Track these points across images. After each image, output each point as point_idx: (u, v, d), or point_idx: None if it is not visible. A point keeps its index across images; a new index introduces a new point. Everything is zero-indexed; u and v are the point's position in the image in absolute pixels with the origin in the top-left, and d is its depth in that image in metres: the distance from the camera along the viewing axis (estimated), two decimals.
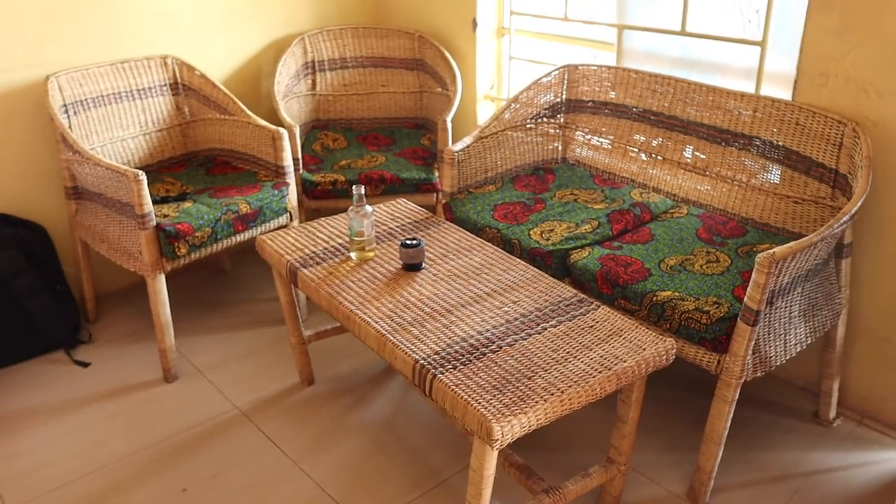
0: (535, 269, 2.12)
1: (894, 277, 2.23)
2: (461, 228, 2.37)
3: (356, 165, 2.95)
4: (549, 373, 1.68)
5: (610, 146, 2.78)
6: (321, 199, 2.87)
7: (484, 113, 3.33)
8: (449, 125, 2.89)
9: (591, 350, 1.77)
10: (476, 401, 1.59)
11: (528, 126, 2.80)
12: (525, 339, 1.81)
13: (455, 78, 3.13)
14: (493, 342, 1.80)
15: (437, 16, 3.34)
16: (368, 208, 2.17)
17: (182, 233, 2.43)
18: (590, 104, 2.83)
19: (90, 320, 2.92)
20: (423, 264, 2.15)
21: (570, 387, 1.64)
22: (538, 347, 1.78)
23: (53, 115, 2.61)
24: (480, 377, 1.67)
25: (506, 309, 1.93)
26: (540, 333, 1.83)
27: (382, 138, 3.22)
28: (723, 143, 2.47)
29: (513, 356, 1.74)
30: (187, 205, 2.58)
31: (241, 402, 2.47)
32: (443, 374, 1.68)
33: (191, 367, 2.65)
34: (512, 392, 1.62)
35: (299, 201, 2.88)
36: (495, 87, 3.34)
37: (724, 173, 2.47)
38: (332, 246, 2.28)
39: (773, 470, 2.17)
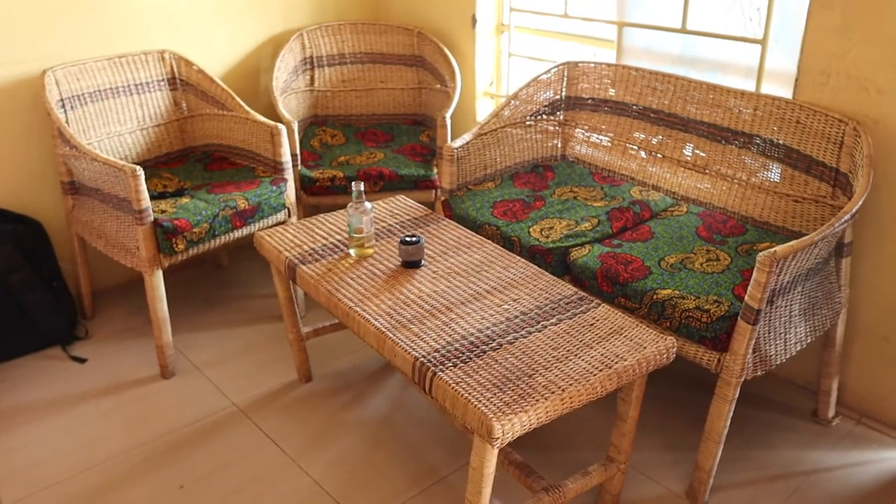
0: (535, 266, 2.11)
1: (894, 276, 2.23)
2: (460, 226, 2.36)
3: (355, 162, 2.93)
4: (550, 371, 1.67)
5: (609, 144, 2.77)
6: (320, 195, 2.86)
7: (483, 110, 3.32)
8: (448, 122, 2.88)
9: (591, 348, 1.76)
10: (477, 399, 1.58)
11: (527, 123, 2.79)
12: (525, 337, 1.80)
13: (454, 74, 3.11)
14: (494, 340, 1.79)
15: (437, 12, 3.32)
16: (368, 205, 2.16)
17: (180, 228, 2.41)
18: (589, 101, 2.82)
19: (87, 316, 2.90)
20: (423, 261, 2.14)
21: (570, 385, 1.63)
22: (538, 345, 1.77)
23: (50, 109, 2.59)
24: (481, 375, 1.66)
25: (506, 307, 1.92)
26: (540, 331, 1.82)
27: (381, 135, 3.20)
28: (723, 142, 2.47)
29: (513, 354, 1.73)
30: (185, 200, 2.56)
31: (239, 399, 2.46)
32: (443, 371, 1.67)
33: (188, 364, 2.64)
34: (512, 390, 1.61)
35: (297, 197, 2.86)
36: (494, 84, 3.33)
37: (724, 171, 2.46)
38: (331, 243, 2.27)
39: (772, 469, 2.17)
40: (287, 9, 3.30)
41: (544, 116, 2.83)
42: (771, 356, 1.95)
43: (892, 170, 2.16)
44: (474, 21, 3.17)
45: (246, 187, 2.65)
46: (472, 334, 1.81)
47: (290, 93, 3.17)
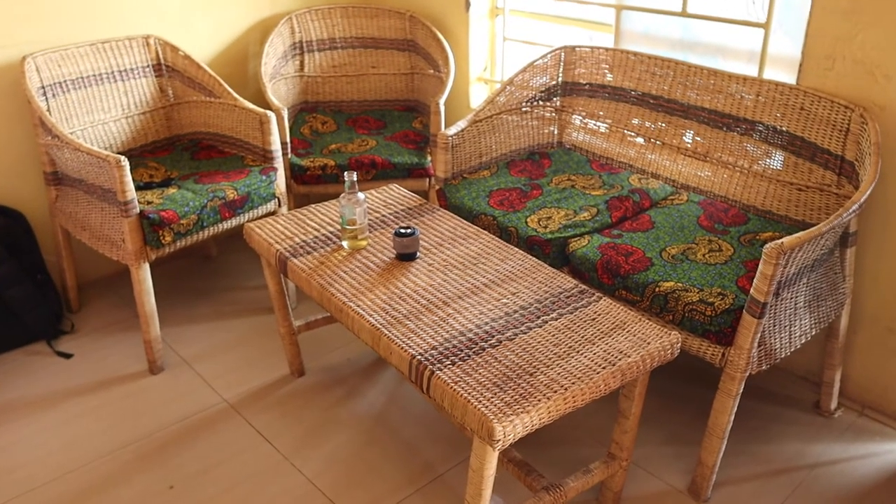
0: (534, 258, 2.04)
1: None
2: (455, 216, 2.29)
3: (346, 149, 2.85)
4: (552, 368, 1.61)
5: (607, 130, 2.70)
6: (311, 184, 2.78)
7: (477, 96, 3.24)
8: (442, 108, 2.80)
9: (593, 344, 1.70)
10: (476, 399, 1.52)
11: (523, 109, 2.72)
12: (525, 333, 1.73)
13: (448, 59, 3.03)
14: (493, 336, 1.72)
15: None
16: (360, 195, 2.08)
17: (166, 220, 2.33)
18: (587, 87, 2.75)
19: (73, 310, 2.82)
20: (418, 253, 2.07)
21: (573, 384, 1.57)
22: (539, 342, 1.71)
23: (31, 97, 2.50)
24: (480, 373, 1.60)
25: (505, 301, 1.86)
26: (541, 327, 1.76)
27: (373, 121, 3.12)
28: (724, 128, 2.40)
29: (513, 351, 1.67)
30: (172, 191, 2.48)
31: (230, 395, 2.39)
32: (441, 370, 1.61)
33: (177, 359, 2.57)
34: (513, 390, 1.55)
35: (288, 187, 2.78)
36: (489, 69, 3.25)
37: (726, 159, 2.40)
38: (323, 234, 2.19)
39: (774, 463, 2.13)
40: None
41: (540, 102, 2.76)
42: (776, 349, 1.90)
43: None
44: (468, 4, 3.09)
45: (235, 177, 2.57)
46: (470, 330, 1.75)
47: (279, 79, 3.08)
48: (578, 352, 1.67)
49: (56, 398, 2.39)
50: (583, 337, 1.72)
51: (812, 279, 1.98)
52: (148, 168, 2.68)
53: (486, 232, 2.19)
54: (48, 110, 2.59)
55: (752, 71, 2.44)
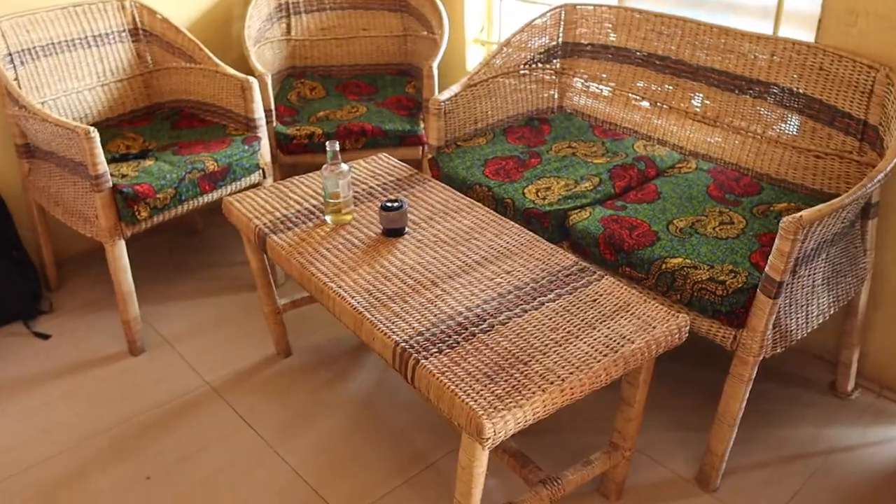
0: (531, 232, 1.88)
1: None
2: (448, 187, 2.12)
3: (335, 117, 2.68)
4: (548, 356, 1.46)
5: (611, 94, 2.51)
6: (297, 153, 2.61)
7: (473, 58, 3.05)
8: (435, 72, 2.61)
9: (594, 329, 1.54)
10: (465, 392, 1.37)
11: (521, 72, 2.53)
12: (520, 317, 1.58)
13: (441, 20, 2.83)
14: (485, 320, 1.57)
15: None
16: (344, 167, 1.92)
17: (141, 195, 2.17)
18: (588, 48, 2.56)
19: (51, 288, 2.68)
20: (407, 228, 1.91)
21: (571, 374, 1.42)
22: (535, 326, 1.55)
23: None
24: (469, 363, 1.45)
25: (498, 280, 1.70)
26: (537, 309, 1.60)
27: (364, 86, 2.94)
28: (736, 91, 2.21)
29: (506, 337, 1.52)
30: (149, 163, 2.32)
31: (213, 377, 2.25)
32: (427, 359, 1.46)
33: (158, 338, 2.43)
34: (505, 381, 1.40)
35: (273, 157, 2.61)
36: (486, 30, 3.05)
37: (737, 124, 2.22)
38: (306, 208, 2.03)
39: (788, 448, 1.98)
40: None
41: (539, 65, 2.57)
42: (792, 331, 1.74)
43: None
44: None
45: (215, 147, 2.40)
46: (460, 314, 1.59)
47: (264, 43, 2.89)
48: (577, 337, 1.52)
49: (32, 382, 2.25)
50: (582, 320, 1.57)
51: (832, 254, 1.81)
52: (125, 139, 2.51)
53: (480, 204, 2.02)
54: (16, 79, 2.42)
55: (766, 29, 2.25)
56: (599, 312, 1.59)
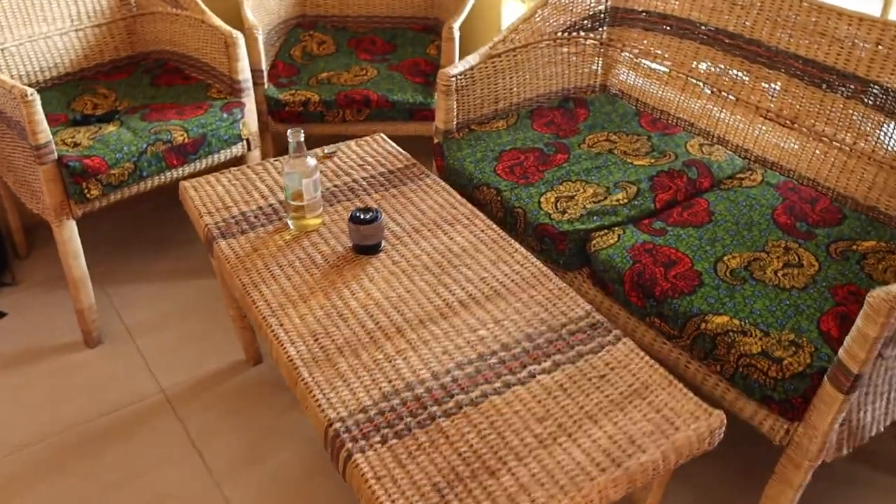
0: (537, 262, 1.46)
1: None
2: (448, 187, 1.70)
3: (338, 80, 2.26)
4: (525, 464, 1.07)
5: (666, 75, 2.03)
6: (291, 122, 2.22)
7: (510, 16, 2.57)
8: (456, 34, 2.16)
9: (595, 423, 1.14)
10: None
11: (558, 39, 2.06)
12: (500, 394, 1.18)
13: None
14: (452, 396, 1.18)
15: None
16: (310, 161, 1.52)
17: (92, 170, 1.82)
18: (643, 16, 2.06)
19: (21, 255, 2.39)
20: (384, 244, 1.52)
21: (551, 497, 1.03)
22: (516, 412, 1.15)
23: None
24: (418, 465, 1.07)
25: (482, 332, 1.30)
26: (524, 384, 1.20)
27: (381, 44, 2.50)
28: (823, 86, 1.72)
29: (475, 426, 1.13)
30: (110, 129, 1.95)
31: (169, 384, 1.93)
32: (364, 451, 1.08)
33: (120, 328, 2.11)
34: (460, 501, 1.02)
35: (264, 124, 2.23)
36: None
37: (821, 129, 1.73)
38: (271, 204, 1.65)
39: None
40: None
41: (581, 33, 2.09)
42: (865, 426, 1.31)
43: None
44: None
45: (190, 113, 2.02)
46: (422, 382, 1.20)
47: None
48: (570, 435, 1.12)
49: None
50: (581, 408, 1.16)
51: None
52: (95, 95, 2.15)
53: (481, 216, 1.60)
54: None
55: (872, 9, 1.73)
56: (607, 396, 1.18)
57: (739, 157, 1.87)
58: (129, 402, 1.88)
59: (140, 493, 1.65)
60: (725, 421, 1.15)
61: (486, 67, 1.93)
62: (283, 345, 1.28)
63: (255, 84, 2.16)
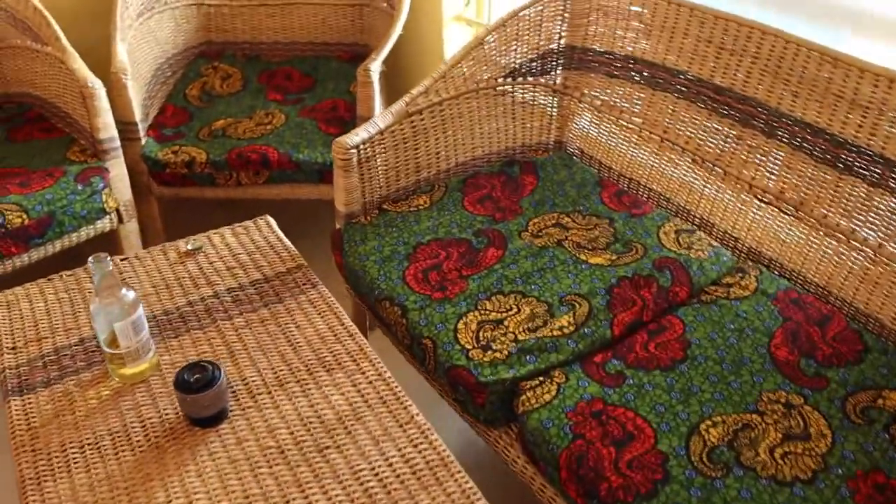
0: (440, 447, 1.02)
1: None
2: (336, 306, 1.25)
3: (235, 132, 1.80)
4: None
5: (637, 136, 1.57)
6: (175, 185, 1.78)
7: (454, 43, 2.10)
8: (375, 75, 1.69)
9: None
10: None
11: (499, 87, 1.60)
12: None
13: None
14: None
15: None
16: (130, 294, 1.08)
17: None
18: (605, 58, 1.60)
19: None
20: (230, 408, 1.09)
21: None
22: None
23: None
24: None
25: None
26: None
27: (298, 78, 2.04)
28: (839, 166, 1.27)
29: None
30: None
31: None
32: None
33: None
34: None
35: (146, 186, 1.79)
36: (473, 4, 2.09)
37: (835, 221, 1.28)
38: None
39: None
40: None
41: (530, 77, 1.64)
42: None
43: None
44: None
45: (37, 185, 1.57)
46: None
47: (162, 9, 2.00)
48: None
49: None
50: None
51: None
52: None
53: (374, 356, 1.16)
54: None
55: None
56: None
57: (727, 248, 1.42)
58: None
59: None
60: None
61: (403, 129, 1.48)
62: None
63: (128, 139, 1.72)
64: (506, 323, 1.22)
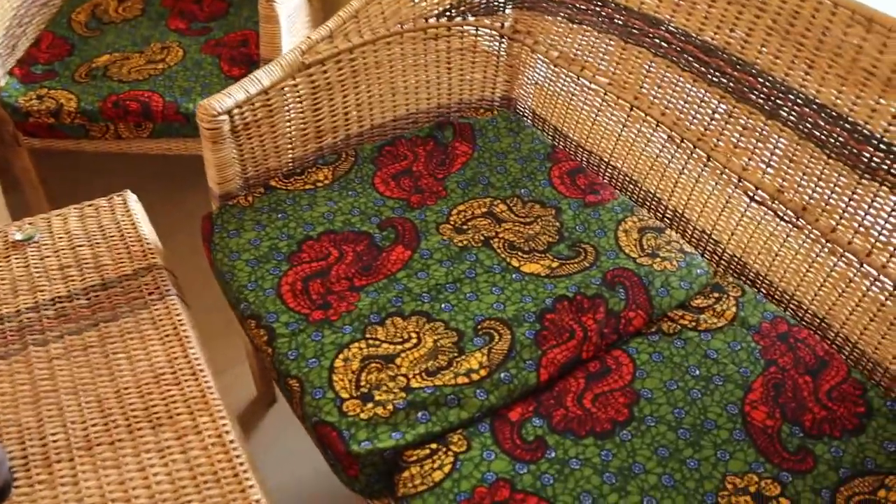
0: None
1: None
2: (184, 329, 0.94)
3: (119, 71, 1.44)
4: None
5: (601, 98, 1.23)
6: (43, 137, 1.45)
7: None
8: (281, 8, 1.33)
9: None
10: None
11: (429, 32, 1.25)
12: None
13: None
14: None
15: None
16: None
17: None
18: None
19: None
20: (17, 480, 0.81)
21: None
22: None
23: None
24: None
25: None
26: None
27: (209, 0, 1.67)
28: (862, 167, 0.92)
29: None
30: None
31: None
32: None
33: None
34: None
35: (11, 136, 1.46)
36: None
37: (846, 237, 0.94)
38: None
39: None
40: None
41: (471, 17, 1.27)
42: None
43: None
44: None
45: None
46: None
47: None
48: None
49: None
50: None
51: None
52: None
53: (218, 406, 0.86)
54: None
55: None
56: None
57: (704, 257, 1.10)
58: None
59: None
60: None
61: (298, 87, 1.13)
62: None
63: None
64: (398, 361, 0.92)
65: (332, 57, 1.14)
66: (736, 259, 1.08)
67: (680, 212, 1.13)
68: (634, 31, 1.14)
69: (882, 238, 0.92)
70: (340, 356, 0.92)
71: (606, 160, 1.22)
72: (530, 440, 0.86)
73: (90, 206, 1.13)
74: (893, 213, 0.90)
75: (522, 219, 1.11)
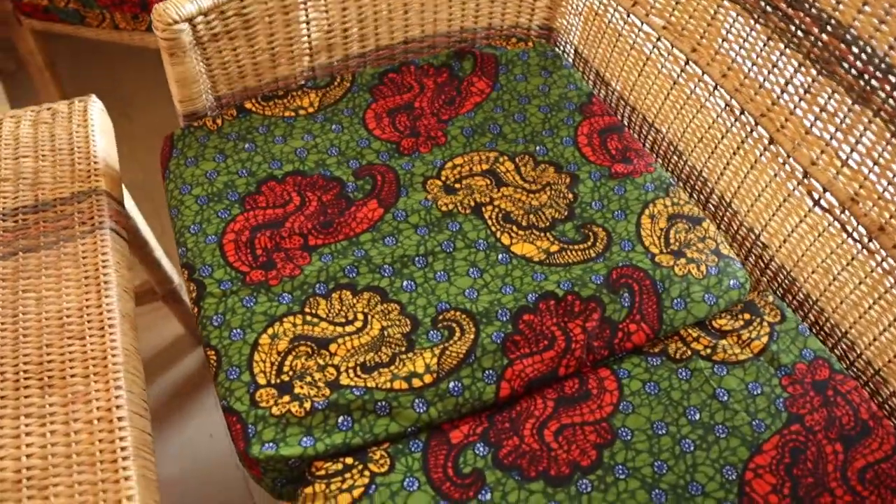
0: None
1: None
2: (107, 270, 0.81)
3: None
4: None
5: (652, 44, 0.97)
6: (39, 18, 1.31)
7: None
8: None
9: None
10: None
11: None
12: None
13: None
14: None
15: None
16: None
17: None
18: None
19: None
20: None
21: None
22: None
23: None
24: None
25: None
26: None
27: None
28: None
29: None
30: None
31: None
32: None
33: None
34: None
35: (10, 14, 1.33)
36: None
37: None
38: None
39: None
40: None
41: None
42: None
43: None
44: None
45: None
46: None
47: None
48: None
49: None
50: None
51: None
52: None
53: (117, 371, 0.74)
54: None
55: None
56: None
57: (745, 263, 0.87)
58: None
59: None
60: None
61: None
62: None
63: None
64: (333, 348, 0.77)
65: None
66: (784, 273, 0.85)
67: (727, 201, 0.90)
68: None
69: None
70: (269, 331, 0.78)
71: (650, 121, 0.99)
72: (466, 472, 0.70)
73: (48, 109, 1.00)
74: None
75: (529, 184, 0.91)
